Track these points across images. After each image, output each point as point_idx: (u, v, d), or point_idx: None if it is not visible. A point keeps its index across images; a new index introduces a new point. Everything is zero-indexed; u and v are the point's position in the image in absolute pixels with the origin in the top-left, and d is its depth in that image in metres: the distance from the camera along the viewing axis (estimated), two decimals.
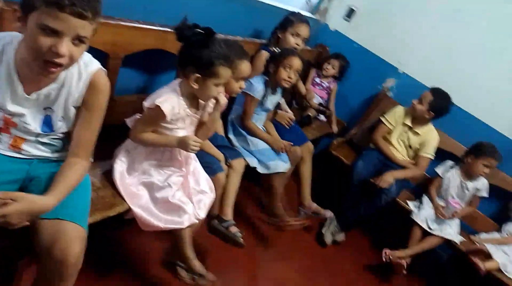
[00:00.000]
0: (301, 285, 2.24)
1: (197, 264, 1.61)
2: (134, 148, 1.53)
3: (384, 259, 2.43)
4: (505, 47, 2.63)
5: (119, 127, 1.55)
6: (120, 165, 1.50)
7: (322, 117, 3.05)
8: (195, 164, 1.67)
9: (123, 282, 1.72)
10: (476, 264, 2.33)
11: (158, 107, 1.40)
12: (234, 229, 1.89)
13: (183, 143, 1.45)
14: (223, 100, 1.56)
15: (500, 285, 2.40)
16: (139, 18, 1.64)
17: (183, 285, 1.66)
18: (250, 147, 2.16)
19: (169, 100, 1.44)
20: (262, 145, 2.19)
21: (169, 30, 1.67)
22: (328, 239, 2.59)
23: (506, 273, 2.36)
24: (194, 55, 1.39)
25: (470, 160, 2.52)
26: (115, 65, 1.60)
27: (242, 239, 1.87)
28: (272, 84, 2.16)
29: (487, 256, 2.40)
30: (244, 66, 1.76)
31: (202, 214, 1.58)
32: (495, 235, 2.56)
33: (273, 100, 2.23)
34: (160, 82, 1.95)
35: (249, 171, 2.13)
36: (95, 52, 1.30)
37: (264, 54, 2.30)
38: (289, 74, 2.10)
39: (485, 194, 2.58)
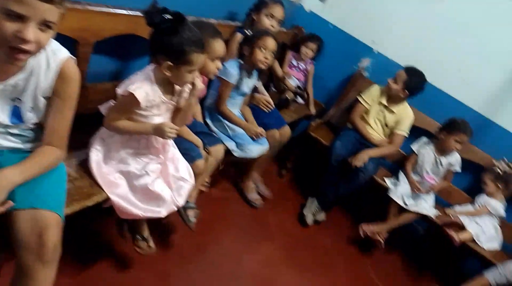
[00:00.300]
0: (284, 263, 2.29)
1: (144, 229, 1.72)
2: (109, 136, 1.50)
3: (361, 234, 2.49)
4: (474, 24, 2.68)
5: (93, 116, 1.52)
6: (95, 154, 1.48)
7: (300, 100, 3.06)
8: (173, 150, 1.67)
9: (106, 270, 1.72)
10: (450, 236, 2.43)
11: (131, 94, 1.38)
12: (190, 212, 1.93)
13: (159, 130, 1.44)
14: (200, 85, 1.54)
15: (473, 254, 2.53)
16: (107, 2, 1.59)
17: (157, 269, 1.72)
18: (228, 132, 2.16)
19: (142, 86, 1.41)
20: (239, 129, 2.19)
21: (140, 14, 1.63)
22: (309, 219, 2.65)
23: (478, 243, 2.48)
24: (164, 42, 1.35)
25: (443, 136, 2.60)
26: (85, 52, 1.56)
27: (193, 224, 1.93)
28: (247, 67, 2.14)
29: (461, 227, 2.51)
30: (218, 45, 1.73)
31: (181, 201, 1.59)
32: (469, 207, 2.67)
33: (249, 83, 2.22)
34: (133, 68, 1.91)
35: (227, 153, 2.14)
36: (63, 39, 1.26)
37: (239, 37, 2.28)
38: (265, 55, 2.09)
39: (458, 168, 2.68)
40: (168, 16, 1.32)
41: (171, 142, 1.64)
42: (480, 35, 2.69)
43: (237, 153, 2.17)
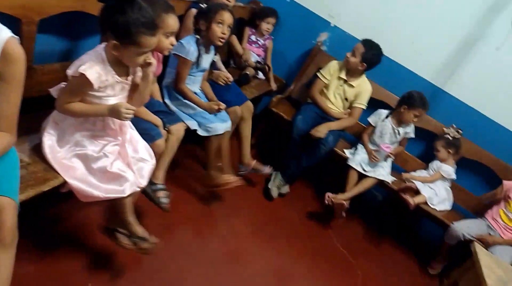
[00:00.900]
0: (251, 236, 2.36)
1: (139, 229, 1.62)
2: (63, 120, 1.45)
3: (326, 202, 2.60)
4: None
5: (43, 98, 1.47)
6: (49, 138, 1.43)
7: (260, 75, 3.07)
8: (131, 132, 1.63)
9: (67, 256, 1.70)
10: (406, 200, 2.58)
11: (82, 75, 1.33)
12: (160, 194, 1.92)
13: (114, 112, 1.40)
14: (153, 67, 1.49)
15: (427, 215, 2.70)
16: None
17: (126, 251, 1.68)
18: (189, 111, 2.14)
19: (94, 66, 1.36)
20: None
21: None
22: (274, 192, 2.71)
23: (431, 206, 2.65)
24: (111, 21, 1.30)
25: (402, 109, 2.70)
26: (29, 31, 1.48)
27: (167, 205, 1.92)
28: (205, 42, 2.10)
29: (416, 192, 2.67)
30: (172, 20, 1.68)
31: (144, 182, 1.58)
32: (423, 172, 2.83)
33: (208, 59, 2.19)
34: (84, 48, 1.83)
35: (191, 133, 2.13)
36: (4, 18, 1.19)
37: (194, 12, 2.23)
38: (222, 30, 2.05)
39: (412, 135, 2.81)
40: None
41: (128, 123, 1.61)
42: (431, 7, 2.78)
43: (200, 132, 2.16)
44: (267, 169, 2.64)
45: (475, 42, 2.72)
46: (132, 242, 1.64)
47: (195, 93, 2.19)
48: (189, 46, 2.03)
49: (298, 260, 2.36)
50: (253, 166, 2.60)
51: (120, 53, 1.36)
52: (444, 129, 2.77)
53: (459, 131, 2.73)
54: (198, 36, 2.09)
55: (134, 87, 1.55)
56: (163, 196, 1.95)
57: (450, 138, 2.73)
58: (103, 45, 1.44)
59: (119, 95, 1.50)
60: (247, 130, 2.57)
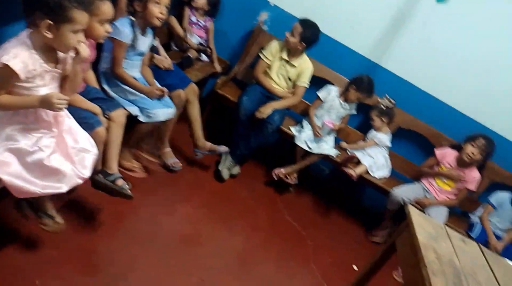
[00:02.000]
0: (205, 218, 2.39)
1: (48, 205, 1.62)
2: None
3: (274, 177, 2.68)
4: None
5: None
6: None
7: (204, 57, 3.04)
8: (69, 122, 1.58)
9: (13, 253, 1.65)
10: (348, 173, 2.73)
11: (6, 65, 1.26)
12: (120, 182, 1.89)
13: (46, 102, 1.34)
14: (85, 51, 1.44)
15: (369, 184, 2.88)
16: None
17: (78, 245, 1.69)
18: (128, 96, 2.09)
19: (19, 55, 1.29)
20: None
21: None
22: (225, 174, 2.75)
23: (371, 173, 2.83)
24: (40, 1, 1.25)
25: (351, 89, 2.82)
26: None
27: (130, 191, 1.89)
28: (141, 23, 2.04)
29: (358, 162, 2.83)
30: (107, 7, 1.64)
31: (87, 173, 1.54)
32: (360, 143, 3.00)
33: (145, 41, 2.13)
34: (6, 36, 1.71)
35: (132, 119, 2.09)
36: None
37: None
38: (160, 9, 2.00)
39: (354, 111, 2.97)
40: None
41: (64, 113, 1.55)
42: None
43: (142, 118, 2.12)
44: (222, 148, 2.64)
45: (405, 18, 2.87)
46: (37, 215, 1.64)
47: (135, 78, 2.13)
48: (124, 28, 1.97)
49: (252, 237, 2.44)
50: (209, 148, 2.60)
51: (53, 34, 1.30)
52: (378, 99, 2.94)
53: (392, 101, 2.91)
54: (132, 18, 2.02)
55: (64, 76, 1.49)
56: (124, 183, 1.90)
57: (384, 107, 2.90)
58: (27, 31, 1.36)
59: (50, 85, 1.44)
60: (195, 112, 2.56)
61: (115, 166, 1.91)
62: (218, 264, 2.13)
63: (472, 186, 2.77)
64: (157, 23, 2.04)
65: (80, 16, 1.32)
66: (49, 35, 1.30)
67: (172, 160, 2.57)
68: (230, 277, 2.09)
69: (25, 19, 1.60)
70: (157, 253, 2.00)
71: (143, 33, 2.09)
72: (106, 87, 2.06)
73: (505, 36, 2.76)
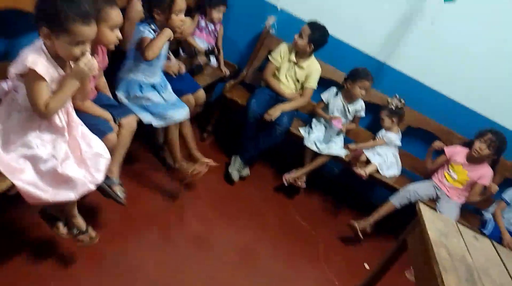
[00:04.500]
0: (215, 219, 2.43)
1: (79, 221, 1.64)
2: (6, 120, 1.41)
3: (285, 183, 2.70)
4: None
5: None
6: None
7: (213, 61, 3.07)
8: (82, 128, 1.60)
9: (28, 260, 1.69)
10: (358, 173, 2.74)
11: (33, 70, 1.28)
12: (116, 188, 1.92)
13: (78, 73, 1.36)
14: (88, 64, 1.39)
15: (380, 183, 2.88)
16: None
17: (86, 249, 1.71)
18: (143, 102, 2.10)
19: (39, 61, 1.31)
20: (156, 98, 2.14)
21: None
22: (235, 176, 2.78)
23: (381, 172, 2.83)
24: (41, 8, 1.28)
25: (349, 85, 2.83)
26: None
27: (123, 199, 1.92)
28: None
29: (367, 162, 2.83)
30: (116, 13, 1.65)
31: (100, 177, 1.55)
32: (370, 142, 2.98)
33: (165, 47, 2.13)
34: (21, 46, 1.77)
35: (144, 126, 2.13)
36: None
37: (137, 2, 2.20)
38: (181, 18, 2.02)
39: (363, 113, 2.98)
40: None
41: (77, 119, 1.58)
42: None
43: (155, 122, 2.13)
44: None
45: (412, 17, 2.88)
46: (70, 233, 1.66)
47: (154, 84, 2.16)
48: (148, 33, 1.98)
49: (262, 237, 2.46)
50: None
51: (53, 43, 1.32)
52: (388, 99, 2.94)
53: (402, 100, 2.91)
54: (153, 26, 2.01)
55: None
56: (120, 190, 1.94)
57: (393, 107, 2.90)
58: (41, 39, 1.41)
59: None
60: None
61: (116, 171, 1.94)
62: (228, 263, 2.15)
63: (486, 182, 2.74)
64: (179, 31, 2.06)
65: (80, 30, 1.30)
66: (48, 42, 1.32)
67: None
68: (240, 276, 2.12)
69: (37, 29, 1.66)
70: (168, 253, 2.03)
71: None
72: (120, 93, 2.09)
73: None
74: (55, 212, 1.68)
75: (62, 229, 1.67)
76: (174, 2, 1.96)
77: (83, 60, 1.36)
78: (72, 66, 1.42)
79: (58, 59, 1.38)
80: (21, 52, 1.36)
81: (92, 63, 1.38)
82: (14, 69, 1.33)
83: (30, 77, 1.31)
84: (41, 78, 1.31)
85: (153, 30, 2.01)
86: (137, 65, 2.09)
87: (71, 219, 1.64)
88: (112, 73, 2.06)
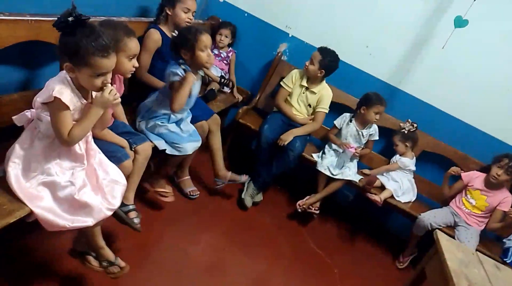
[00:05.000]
0: (229, 247, 2.40)
1: (107, 253, 1.64)
2: (27, 148, 1.44)
3: (298, 210, 2.67)
4: (377, 2, 2.93)
5: (5, 129, 1.47)
6: (14, 168, 1.42)
7: (226, 89, 3.14)
8: (100, 156, 1.63)
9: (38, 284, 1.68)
10: (373, 199, 2.69)
11: (58, 99, 1.32)
12: (133, 214, 1.94)
13: (102, 103, 1.40)
14: (111, 96, 1.42)
15: (395, 209, 2.83)
16: (3, 9, 1.52)
17: (100, 275, 1.69)
18: (158, 130, 2.14)
19: (64, 90, 1.36)
20: (174, 128, 2.18)
21: (41, 19, 1.59)
22: (248, 202, 2.76)
23: (397, 198, 2.78)
24: (62, 43, 1.33)
25: (363, 111, 2.83)
26: None
27: (139, 225, 1.94)
28: (193, 69, 2.09)
29: (382, 187, 2.78)
30: (134, 44, 1.72)
31: (117, 203, 1.57)
32: (384, 167, 2.95)
33: (197, 84, 2.18)
34: (43, 76, 1.85)
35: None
36: None
37: (154, 33, 2.28)
38: (207, 53, 2.07)
39: (376, 137, 2.96)
40: (70, 18, 1.29)
41: (96, 147, 1.62)
42: (381, 12, 2.94)
43: (170, 150, 2.17)
44: (243, 178, 2.69)
45: (423, 42, 2.90)
46: (101, 265, 1.65)
47: (182, 118, 2.22)
48: (179, 77, 2.04)
49: (275, 265, 2.41)
50: (230, 178, 2.63)
51: (76, 76, 1.37)
52: (401, 124, 2.92)
53: (414, 124, 2.89)
54: (183, 66, 2.06)
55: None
56: (134, 217, 1.96)
57: (406, 131, 2.88)
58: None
59: None
60: (217, 142, 2.61)
61: (131, 196, 1.96)
62: None
63: (505, 207, 2.67)
64: (208, 66, 2.13)
65: (100, 63, 1.34)
66: (71, 75, 1.37)
67: (190, 188, 2.62)
68: None
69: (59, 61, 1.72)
70: (181, 281, 2.01)
71: (197, 77, 2.15)
72: (141, 121, 2.14)
73: None
74: (83, 247, 1.68)
75: (94, 262, 1.68)
76: (199, 40, 2.02)
77: (107, 90, 1.41)
78: (94, 96, 1.47)
79: (81, 89, 1.43)
80: (47, 83, 1.41)
81: (116, 93, 1.42)
82: (40, 99, 1.38)
83: (55, 105, 1.35)
84: (65, 107, 1.35)
85: (183, 70, 2.06)
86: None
87: (99, 251, 1.64)
88: (128, 101, 2.10)
